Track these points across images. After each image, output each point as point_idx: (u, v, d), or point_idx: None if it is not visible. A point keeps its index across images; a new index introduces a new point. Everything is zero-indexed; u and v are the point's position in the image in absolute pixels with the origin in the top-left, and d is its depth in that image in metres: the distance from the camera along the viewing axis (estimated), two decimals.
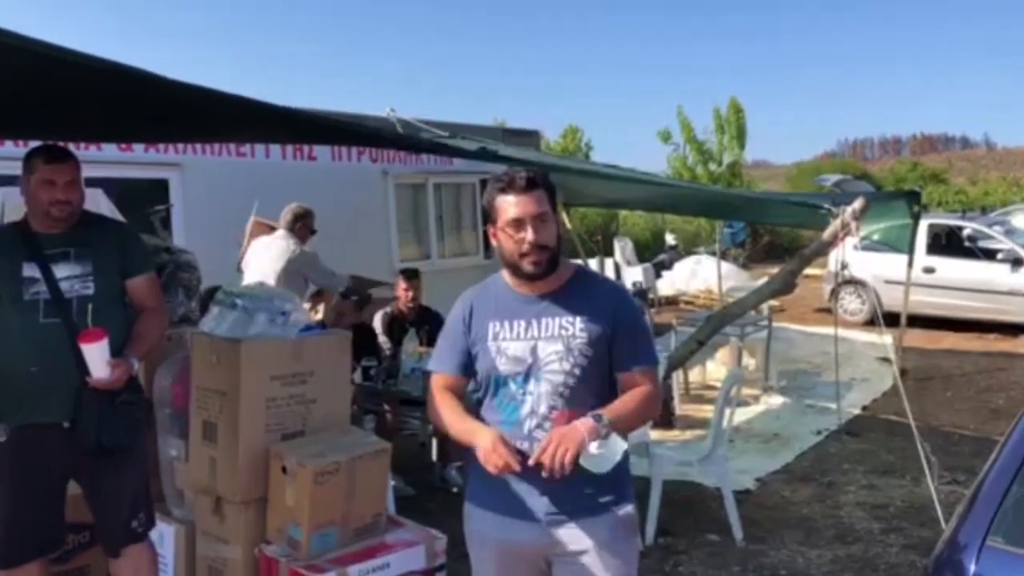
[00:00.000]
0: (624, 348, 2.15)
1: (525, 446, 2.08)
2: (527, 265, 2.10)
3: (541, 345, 2.12)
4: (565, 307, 2.14)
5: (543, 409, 2.10)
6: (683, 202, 8.81)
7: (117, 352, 2.71)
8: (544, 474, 1.96)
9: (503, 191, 2.11)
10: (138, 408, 2.89)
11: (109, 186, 4.68)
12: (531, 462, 1.98)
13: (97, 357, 2.62)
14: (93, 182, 3.57)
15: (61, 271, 2.72)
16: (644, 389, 2.15)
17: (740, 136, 18.96)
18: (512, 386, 2.13)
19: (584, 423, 2.00)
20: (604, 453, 1.99)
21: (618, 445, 2.02)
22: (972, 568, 1.79)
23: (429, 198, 9.36)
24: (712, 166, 18.86)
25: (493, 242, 2.19)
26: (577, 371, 2.10)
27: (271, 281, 5.44)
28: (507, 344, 2.14)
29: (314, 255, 5.57)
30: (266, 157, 7.32)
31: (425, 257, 9.12)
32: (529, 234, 2.07)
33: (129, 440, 2.79)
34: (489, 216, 2.16)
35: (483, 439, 2.05)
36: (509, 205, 2.09)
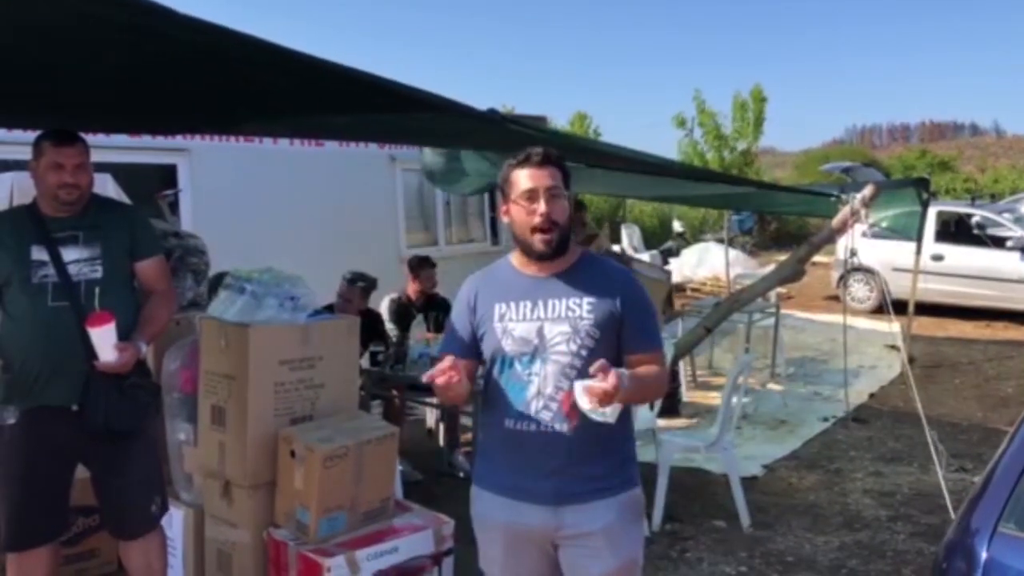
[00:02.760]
0: (632, 330, 2.15)
1: (532, 427, 2.09)
2: (538, 243, 2.10)
3: (547, 326, 2.12)
4: (572, 288, 2.14)
5: (549, 390, 2.10)
6: (693, 199, 8.78)
7: (125, 336, 2.71)
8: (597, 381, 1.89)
9: (518, 165, 2.13)
10: (146, 392, 2.89)
11: (117, 171, 4.69)
12: (592, 369, 1.91)
13: (104, 341, 2.62)
14: (101, 167, 3.56)
15: (69, 254, 2.72)
16: (655, 368, 2.16)
17: (757, 124, 18.82)
18: (518, 367, 2.13)
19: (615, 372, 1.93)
20: (610, 408, 1.96)
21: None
22: (984, 554, 1.79)
23: None
24: (725, 152, 18.73)
25: (505, 220, 2.19)
26: (584, 352, 2.09)
27: None
28: (513, 325, 2.14)
29: None
30: (274, 143, 7.29)
31: (432, 243, 9.09)
32: (542, 205, 2.08)
33: (137, 424, 2.79)
34: (504, 192, 2.17)
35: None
36: (523, 177, 2.11)
